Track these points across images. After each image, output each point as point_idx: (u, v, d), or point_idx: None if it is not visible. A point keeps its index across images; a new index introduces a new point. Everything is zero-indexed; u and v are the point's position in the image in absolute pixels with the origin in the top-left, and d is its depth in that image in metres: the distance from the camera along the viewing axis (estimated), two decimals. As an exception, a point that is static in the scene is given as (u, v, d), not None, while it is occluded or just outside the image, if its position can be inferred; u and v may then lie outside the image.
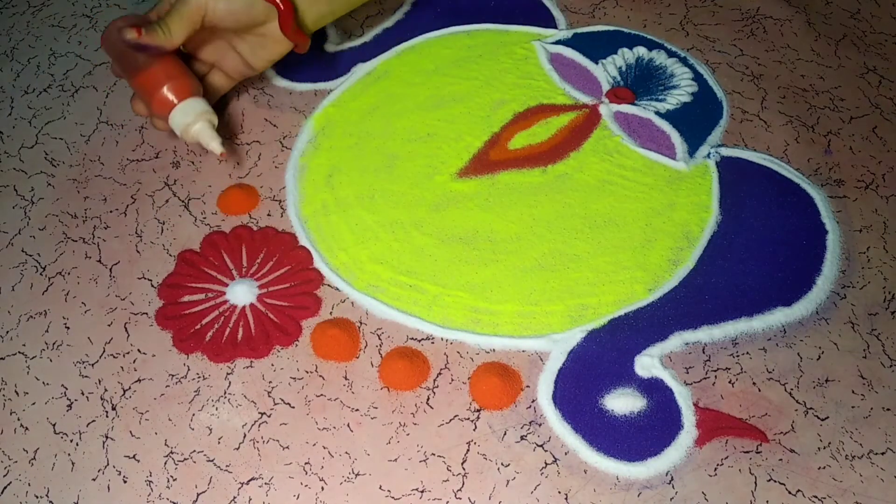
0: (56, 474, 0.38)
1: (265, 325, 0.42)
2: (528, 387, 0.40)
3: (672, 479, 0.37)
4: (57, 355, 0.42)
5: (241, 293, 0.43)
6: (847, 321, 0.42)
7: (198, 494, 0.37)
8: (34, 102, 0.54)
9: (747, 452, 0.38)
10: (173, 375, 0.41)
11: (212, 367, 0.41)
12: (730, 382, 0.40)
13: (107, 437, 0.39)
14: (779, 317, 0.42)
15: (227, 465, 0.38)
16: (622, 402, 0.39)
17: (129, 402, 0.40)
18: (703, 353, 0.41)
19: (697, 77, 0.53)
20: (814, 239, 0.45)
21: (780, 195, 0.47)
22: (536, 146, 0.49)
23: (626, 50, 0.54)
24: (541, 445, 0.38)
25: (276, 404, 0.40)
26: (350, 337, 0.42)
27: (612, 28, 0.56)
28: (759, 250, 0.44)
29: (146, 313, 0.43)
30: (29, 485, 0.38)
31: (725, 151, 0.49)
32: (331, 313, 0.43)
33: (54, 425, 0.40)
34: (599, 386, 0.40)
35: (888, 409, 0.39)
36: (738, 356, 0.41)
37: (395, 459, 0.38)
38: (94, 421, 0.40)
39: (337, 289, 0.44)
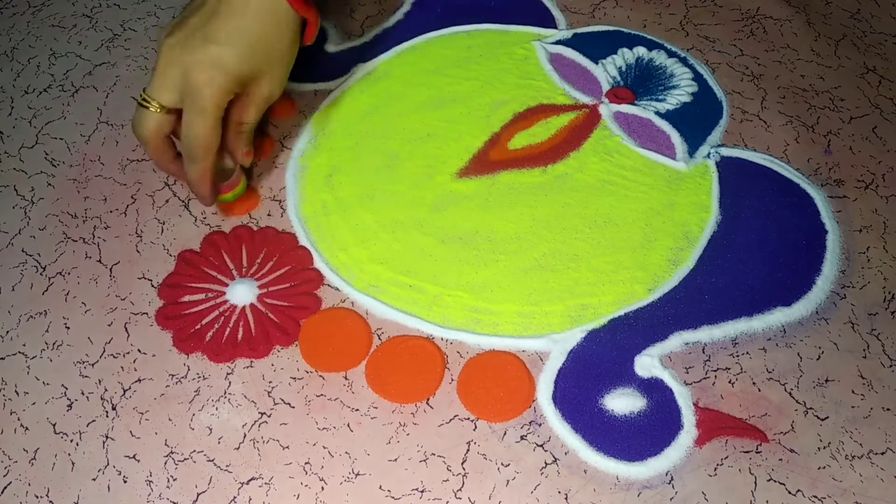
0: (56, 474, 0.38)
1: (265, 325, 0.42)
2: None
3: (672, 479, 0.37)
4: (57, 355, 0.42)
5: (241, 293, 0.43)
6: (847, 321, 0.42)
7: (198, 494, 0.37)
8: (34, 102, 0.54)
9: (747, 452, 0.38)
10: (173, 375, 0.41)
11: (212, 367, 0.41)
12: (730, 382, 0.40)
13: (107, 437, 0.39)
14: (779, 317, 0.42)
15: (227, 465, 0.38)
16: (622, 402, 0.39)
17: (129, 402, 0.40)
18: (703, 353, 0.41)
19: (697, 77, 0.53)
20: (814, 239, 0.45)
21: (780, 195, 0.47)
22: (536, 146, 0.49)
23: (626, 50, 0.54)
24: (541, 445, 0.38)
25: (276, 404, 0.40)
26: (350, 337, 0.42)
27: (612, 28, 0.56)
28: (758, 250, 0.44)
29: (146, 313, 0.43)
30: (29, 485, 0.38)
31: (725, 151, 0.49)
32: (331, 313, 0.43)
33: (54, 425, 0.40)
34: (599, 386, 0.40)
35: (888, 409, 0.39)
36: (738, 356, 0.41)
37: (395, 459, 0.38)
38: (94, 421, 0.40)
39: (337, 289, 0.44)
